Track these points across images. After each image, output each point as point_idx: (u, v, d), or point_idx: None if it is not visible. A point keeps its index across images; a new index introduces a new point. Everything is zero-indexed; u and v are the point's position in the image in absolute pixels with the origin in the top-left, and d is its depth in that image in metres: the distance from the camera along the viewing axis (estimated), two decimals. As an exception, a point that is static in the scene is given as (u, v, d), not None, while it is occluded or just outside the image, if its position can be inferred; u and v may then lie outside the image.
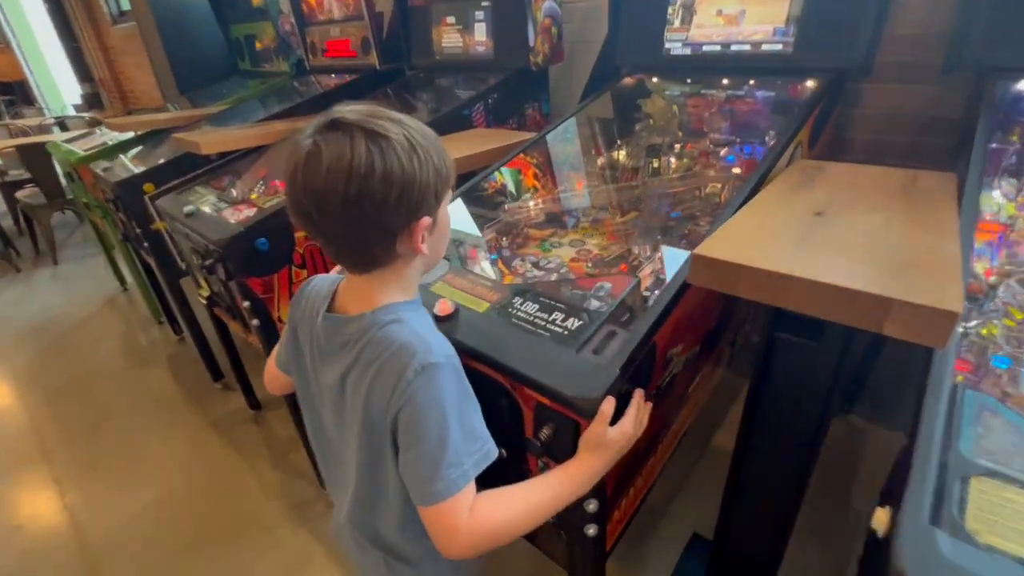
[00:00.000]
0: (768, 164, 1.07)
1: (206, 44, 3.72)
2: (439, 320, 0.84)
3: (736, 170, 1.35)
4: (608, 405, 0.67)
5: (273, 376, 0.86)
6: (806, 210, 0.85)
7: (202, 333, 2.27)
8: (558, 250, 1.20)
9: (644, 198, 1.39)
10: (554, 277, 1.08)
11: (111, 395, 2.46)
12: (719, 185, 1.33)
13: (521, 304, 0.88)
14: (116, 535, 1.75)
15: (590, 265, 1.08)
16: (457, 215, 1.28)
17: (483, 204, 1.38)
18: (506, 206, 1.32)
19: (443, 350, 0.63)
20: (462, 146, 1.53)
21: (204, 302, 1.79)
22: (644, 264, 1.07)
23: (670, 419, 1.04)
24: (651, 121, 1.56)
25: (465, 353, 0.80)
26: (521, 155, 1.47)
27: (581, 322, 0.82)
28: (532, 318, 0.84)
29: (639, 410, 0.74)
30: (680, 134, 1.49)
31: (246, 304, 1.45)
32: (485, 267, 1.13)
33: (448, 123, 1.81)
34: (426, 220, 0.62)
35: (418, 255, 0.66)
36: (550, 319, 0.84)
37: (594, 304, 0.86)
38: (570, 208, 1.38)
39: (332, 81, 2.86)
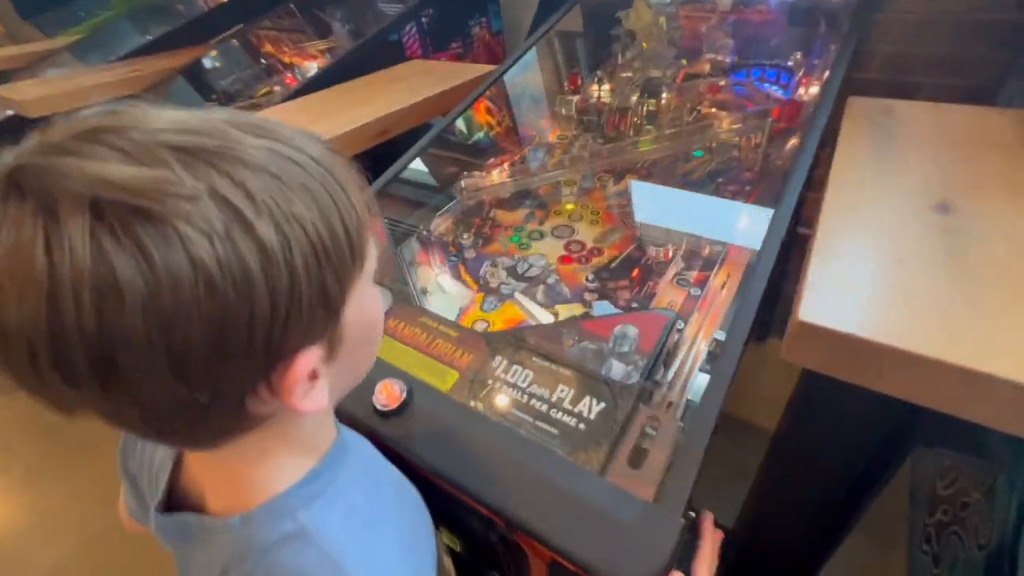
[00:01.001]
0: (830, 106, 0.76)
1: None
2: (383, 416, 0.54)
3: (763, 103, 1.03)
4: (677, 595, 0.41)
5: (128, 523, 0.56)
6: (920, 200, 0.57)
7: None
8: (539, 243, 0.89)
9: (641, 155, 1.06)
10: (540, 293, 0.78)
11: (16, 409, 2.06)
12: (739, 139, 1.01)
13: (505, 371, 0.58)
14: (31, 598, 1.47)
15: (591, 277, 0.78)
16: (397, 193, 0.93)
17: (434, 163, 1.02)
18: (462, 182, 0.97)
19: None
20: (395, 91, 1.13)
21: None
22: (664, 266, 0.78)
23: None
24: (643, 45, 1.19)
25: (430, 472, 0.51)
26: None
27: (602, 405, 0.54)
28: (525, 399, 0.56)
29: (712, 552, 0.48)
30: (685, 62, 1.14)
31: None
32: (445, 284, 0.81)
33: (373, 55, 1.37)
34: (309, 357, 0.30)
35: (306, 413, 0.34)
36: (552, 399, 0.55)
37: (617, 368, 0.57)
38: (545, 175, 1.04)
39: (218, -5, 2.24)
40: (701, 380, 0.60)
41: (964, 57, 1.30)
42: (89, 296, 0.22)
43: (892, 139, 0.72)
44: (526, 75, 1.28)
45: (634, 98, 1.14)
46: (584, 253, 0.85)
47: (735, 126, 0.97)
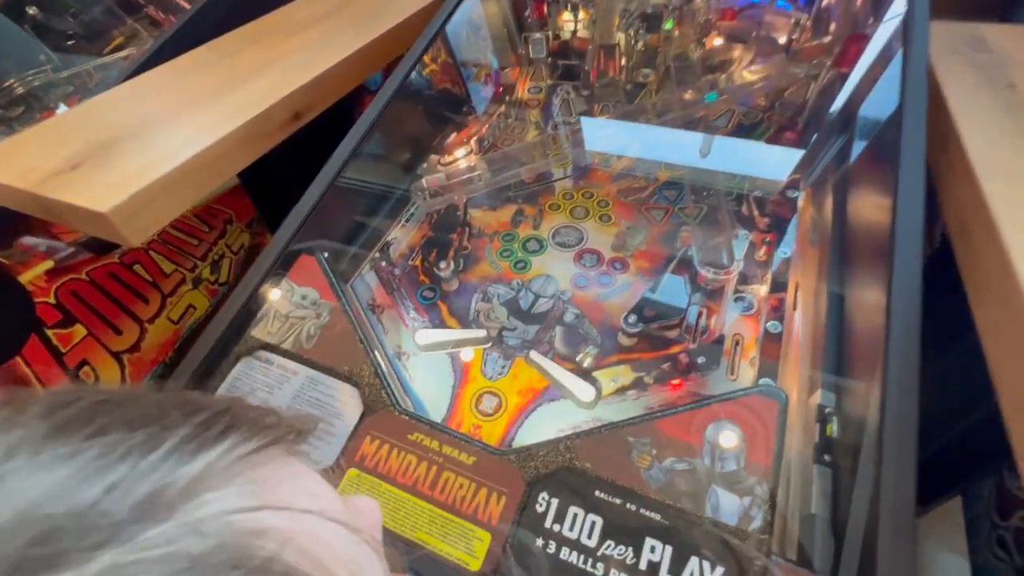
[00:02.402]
0: (924, 45, 0.55)
1: None
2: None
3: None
4: None
5: None
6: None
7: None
8: (539, 258, 0.67)
9: (640, 109, 0.83)
10: (560, 340, 0.57)
11: None
12: (755, 77, 0.79)
13: (560, 520, 0.39)
14: None
15: (632, 319, 0.57)
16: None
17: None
18: (423, 180, 0.71)
19: None
20: (304, 47, 0.80)
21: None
22: (724, 286, 0.59)
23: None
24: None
25: None
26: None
27: (720, 571, 0.36)
28: (601, 570, 0.37)
29: None
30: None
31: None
32: (425, 340, 0.58)
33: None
34: None
35: None
36: (642, 567, 0.37)
37: (727, 502, 0.39)
38: (525, 152, 0.79)
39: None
40: (819, 479, 0.43)
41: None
42: None
43: (1014, 92, 0.53)
44: (475, 4, 0.97)
45: (620, 33, 0.88)
46: (604, 268, 0.64)
47: (766, 71, 0.75)
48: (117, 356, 0.93)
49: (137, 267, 0.96)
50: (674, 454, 0.41)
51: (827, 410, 0.46)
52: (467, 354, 0.57)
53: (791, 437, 0.44)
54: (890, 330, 0.41)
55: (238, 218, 1.14)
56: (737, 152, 0.75)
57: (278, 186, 1.05)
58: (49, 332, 0.83)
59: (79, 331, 0.87)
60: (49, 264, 0.83)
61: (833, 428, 0.44)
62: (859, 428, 0.42)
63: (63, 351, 0.85)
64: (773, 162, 0.72)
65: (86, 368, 0.88)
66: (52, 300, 0.84)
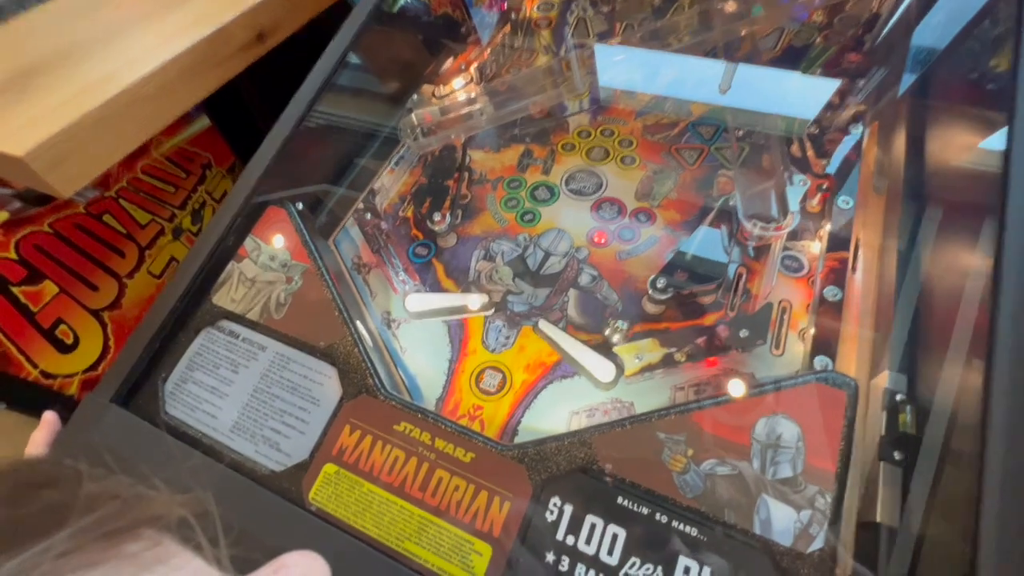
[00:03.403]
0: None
1: None
2: None
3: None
4: None
5: None
6: None
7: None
8: (550, 208, 0.57)
9: (671, 28, 0.70)
10: (574, 307, 0.49)
11: None
12: None
13: (575, 532, 0.33)
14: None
15: (660, 282, 0.48)
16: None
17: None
18: (413, 116, 0.60)
19: None
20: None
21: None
22: (772, 244, 0.49)
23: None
24: None
25: None
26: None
27: (770, 600, 0.30)
28: (625, 593, 0.31)
29: None
30: None
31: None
32: (417, 305, 0.50)
33: None
34: None
35: None
36: (675, 590, 0.30)
37: (780, 516, 0.32)
38: (533, 81, 0.68)
39: None
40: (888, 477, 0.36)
41: None
42: None
43: None
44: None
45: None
46: (627, 221, 0.55)
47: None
48: (96, 314, 0.87)
49: (107, 218, 0.87)
50: (715, 455, 0.34)
51: (898, 397, 0.38)
52: (463, 324, 0.50)
53: (865, 436, 0.36)
54: (999, 299, 0.32)
55: (218, 162, 1.04)
56: (777, 85, 0.63)
57: (255, 126, 0.94)
58: (15, 290, 0.76)
59: (49, 288, 0.80)
60: (3, 215, 0.75)
61: (907, 419, 0.37)
62: (946, 420, 0.35)
63: (34, 310, 0.79)
64: (819, 97, 0.60)
65: (63, 327, 0.82)
66: (13, 255, 0.76)
